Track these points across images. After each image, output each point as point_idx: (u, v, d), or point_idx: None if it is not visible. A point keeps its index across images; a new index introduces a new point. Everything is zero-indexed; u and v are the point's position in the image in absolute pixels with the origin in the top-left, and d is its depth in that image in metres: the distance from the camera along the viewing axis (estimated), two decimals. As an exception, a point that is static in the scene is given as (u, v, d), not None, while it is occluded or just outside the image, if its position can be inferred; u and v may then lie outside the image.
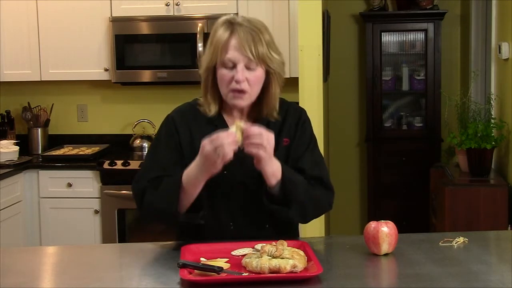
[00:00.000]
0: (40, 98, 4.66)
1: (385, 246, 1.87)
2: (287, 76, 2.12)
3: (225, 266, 1.79)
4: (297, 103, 2.40)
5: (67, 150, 4.45)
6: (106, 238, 4.10)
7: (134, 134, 4.55)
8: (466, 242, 2.00)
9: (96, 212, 4.11)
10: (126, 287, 1.74)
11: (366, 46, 5.07)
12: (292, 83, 3.55)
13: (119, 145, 4.57)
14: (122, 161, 4.08)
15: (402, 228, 1.97)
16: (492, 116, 3.77)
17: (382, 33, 5.06)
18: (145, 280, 1.78)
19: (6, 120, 4.58)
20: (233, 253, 1.90)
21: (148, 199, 2.00)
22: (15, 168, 4.05)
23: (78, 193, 4.13)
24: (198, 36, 4.07)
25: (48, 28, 4.32)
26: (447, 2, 5.13)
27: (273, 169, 1.95)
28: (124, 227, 4.11)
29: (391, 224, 1.90)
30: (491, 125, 3.66)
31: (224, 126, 2.02)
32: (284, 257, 1.73)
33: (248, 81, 1.98)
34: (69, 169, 4.15)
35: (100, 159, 4.15)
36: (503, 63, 3.72)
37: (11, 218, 3.95)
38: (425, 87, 5.04)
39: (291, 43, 4.03)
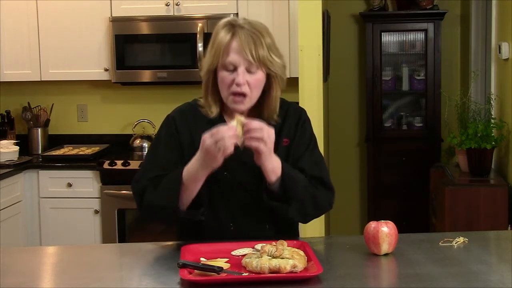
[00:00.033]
0: (40, 98, 4.66)
1: (385, 246, 1.87)
2: (287, 76, 2.12)
3: (225, 266, 1.79)
4: (297, 103, 2.40)
5: (67, 150, 4.45)
6: (106, 238, 4.10)
7: (134, 134, 4.55)
8: (466, 242, 2.00)
9: (96, 212, 4.11)
10: (126, 287, 1.74)
11: (366, 46, 5.07)
12: (292, 83, 3.55)
13: (119, 145, 4.57)
14: (122, 161, 4.08)
15: (402, 228, 1.97)
16: (492, 116, 3.77)
17: (382, 33, 5.06)
18: (145, 280, 1.78)
19: (6, 120, 4.58)
20: (233, 253, 1.90)
21: (148, 197, 2.00)
22: (15, 168, 4.05)
23: (78, 193, 4.13)
24: (198, 36, 4.07)
25: (48, 28, 4.32)
26: (447, 2, 5.13)
27: (273, 165, 1.95)
28: (124, 227, 4.11)
29: (391, 224, 1.90)
30: (491, 125, 3.66)
31: None
32: (284, 257, 1.73)
33: (249, 84, 1.98)
34: (69, 169, 4.15)
35: (100, 159, 4.15)
36: (503, 63, 3.72)
37: (11, 218, 3.95)
38: (425, 87, 5.04)
39: (291, 43, 4.03)
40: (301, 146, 2.10)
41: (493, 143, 3.61)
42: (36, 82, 4.45)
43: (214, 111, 2.06)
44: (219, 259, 1.85)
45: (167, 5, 4.20)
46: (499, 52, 3.68)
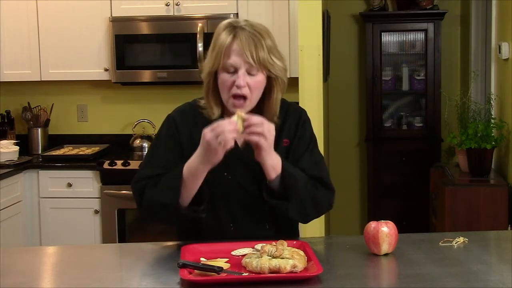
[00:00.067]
0: (40, 98, 4.66)
1: (385, 246, 1.87)
2: (287, 76, 2.11)
3: (225, 266, 1.79)
4: (297, 103, 2.41)
5: (67, 150, 4.45)
6: (106, 238, 4.10)
7: (134, 134, 4.55)
8: (466, 242, 2.00)
9: (96, 212, 4.11)
10: (126, 287, 1.74)
11: (366, 46, 5.07)
12: (292, 83, 3.55)
13: (119, 145, 4.57)
14: (122, 161, 4.08)
15: (402, 228, 1.97)
16: (492, 116, 3.77)
17: (382, 33, 5.06)
18: (145, 280, 1.78)
19: (6, 120, 4.58)
20: (233, 253, 1.90)
21: (149, 194, 2.00)
22: (15, 168, 4.05)
23: (78, 193, 4.13)
24: (198, 36, 4.07)
25: (48, 28, 4.33)
26: (447, 2, 5.13)
27: (273, 162, 1.96)
28: (124, 227, 4.11)
29: (391, 224, 1.90)
30: (491, 125, 3.66)
31: None
32: (284, 257, 1.73)
33: (249, 86, 1.97)
34: (69, 169, 4.16)
35: (100, 159, 4.15)
36: (503, 63, 3.72)
37: (11, 218, 3.95)
38: (425, 87, 5.04)
39: (291, 43, 4.03)
40: (301, 146, 2.10)
41: (493, 143, 3.61)
42: (36, 82, 4.45)
43: (215, 112, 2.05)
44: (219, 259, 1.85)
45: (167, 5, 4.20)
46: (499, 52, 3.68)
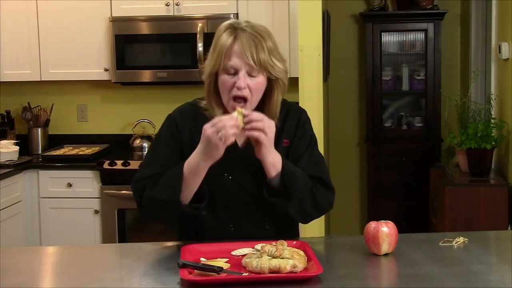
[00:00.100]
0: (40, 98, 4.66)
1: (385, 246, 1.87)
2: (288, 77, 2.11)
3: (225, 266, 1.79)
4: (297, 103, 2.40)
5: (67, 150, 4.45)
6: (106, 238, 4.10)
7: (134, 134, 4.55)
8: (466, 242, 2.00)
9: (96, 212, 4.11)
10: (126, 287, 1.74)
11: (366, 46, 5.07)
12: (292, 83, 3.54)
13: (119, 145, 4.57)
14: (122, 161, 4.08)
15: (402, 228, 1.97)
16: (492, 116, 3.77)
17: (382, 33, 5.06)
18: (145, 280, 1.78)
19: (6, 120, 4.58)
20: (233, 253, 1.90)
21: (149, 193, 2.00)
22: (15, 168, 4.05)
23: (78, 193, 4.13)
24: (198, 36, 4.07)
25: (48, 28, 4.32)
26: (447, 2, 5.13)
27: (273, 159, 1.96)
28: (124, 227, 4.11)
29: (391, 224, 1.90)
30: (491, 125, 3.66)
31: None
32: (284, 257, 1.73)
33: (250, 88, 1.97)
34: (69, 169, 4.15)
35: (100, 159, 4.15)
36: (503, 63, 3.72)
37: (11, 218, 3.95)
38: (425, 87, 5.04)
39: (291, 43, 4.03)
40: (301, 146, 2.10)
41: (493, 143, 3.61)
42: (36, 82, 4.45)
43: (217, 113, 2.05)
44: (219, 259, 1.85)
45: (167, 5, 4.20)
46: (499, 52, 3.68)
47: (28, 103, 4.58)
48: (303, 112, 2.17)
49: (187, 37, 4.15)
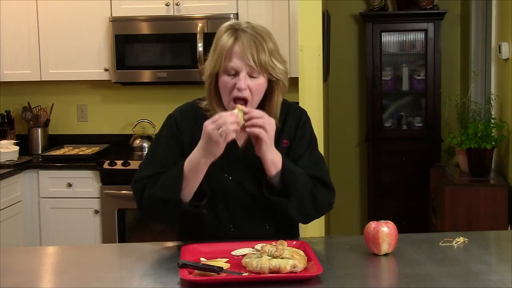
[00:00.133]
0: (40, 98, 4.66)
1: (385, 246, 1.87)
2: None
3: (225, 266, 1.79)
4: (297, 103, 2.40)
5: (67, 150, 4.45)
6: (106, 238, 4.10)
7: (134, 134, 4.55)
8: (466, 242, 2.00)
9: (96, 212, 4.11)
10: (126, 287, 1.74)
11: (366, 46, 5.07)
12: (292, 83, 3.54)
13: (119, 145, 4.57)
14: (122, 161, 4.08)
15: (402, 228, 1.97)
16: (492, 116, 3.77)
17: (382, 33, 5.06)
18: (145, 280, 1.78)
19: (6, 120, 4.58)
20: (233, 253, 1.90)
21: (149, 192, 1.99)
22: (15, 168, 4.05)
23: (78, 193, 4.13)
24: (198, 36, 4.07)
25: (48, 28, 4.32)
26: (447, 2, 5.13)
27: (273, 157, 1.96)
28: (124, 227, 4.11)
29: (391, 224, 1.90)
30: (491, 125, 3.66)
31: None
32: (284, 257, 1.73)
33: (250, 89, 1.97)
34: (69, 169, 4.15)
35: (100, 159, 4.15)
36: (503, 63, 3.72)
37: (11, 218, 3.95)
38: (425, 87, 5.04)
39: (291, 43, 4.03)
40: (301, 146, 2.10)
41: (493, 143, 3.61)
42: (36, 82, 4.45)
43: None
44: (219, 259, 1.85)
45: (167, 5, 4.20)
46: (499, 52, 3.68)
47: (28, 103, 4.58)
48: (303, 113, 2.17)
49: (187, 37, 4.15)
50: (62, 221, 4.14)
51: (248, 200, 2.06)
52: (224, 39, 1.97)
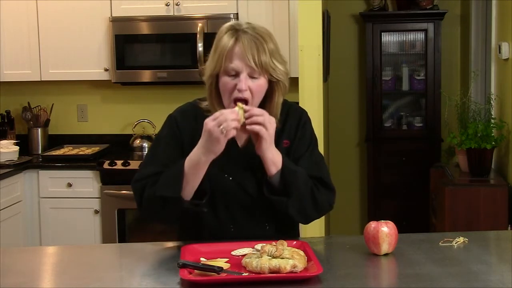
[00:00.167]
0: (40, 98, 4.66)
1: (385, 246, 1.87)
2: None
3: (225, 266, 1.79)
4: (297, 103, 2.40)
5: (67, 150, 4.45)
6: (106, 238, 4.10)
7: (134, 134, 4.55)
8: (466, 242, 2.00)
9: (96, 212, 4.11)
10: (126, 287, 1.74)
11: (366, 46, 5.07)
12: (292, 83, 3.54)
13: (119, 145, 4.57)
14: (122, 161, 4.08)
15: (402, 228, 1.97)
16: (492, 116, 3.77)
17: (382, 33, 5.06)
18: (145, 280, 1.78)
19: (6, 120, 4.58)
20: (233, 253, 1.90)
21: (149, 192, 1.99)
22: (15, 168, 4.05)
23: (78, 193, 4.13)
24: (198, 36, 4.07)
25: (48, 28, 4.32)
26: (447, 2, 5.13)
27: (273, 156, 1.96)
28: (124, 227, 4.11)
29: (391, 224, 1.90)
30: (491, 125, 3.66)
31: None
32: (284, 257, 1.73)
33: (251, 90, 1.97)
34: (69, 169, 4.15)
35: (100, 159, 4.15)
36: (503, 63, 3.72)
37: (11, 218, 3.95)
38: (425, 87, 5.04)
39: (291, 43, 4.03)
40: (301, 147, 2.10)
41: (493, 143, 3.61)
42: (36, 82, 4.45)
43: None
44: (219, 259, 1.85)
45: (167, 5, 4.20)
46: (499, 52, 3.68)
47: (28, 103, 4.58)
48: (303, 113, 2.17)
49: (187, 37, 4.15)
50: (62, 221, 4.14)
51: (248, 200, 2.06)
52: (225, 40, 1.97)
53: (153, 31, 4.23)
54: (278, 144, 2.02)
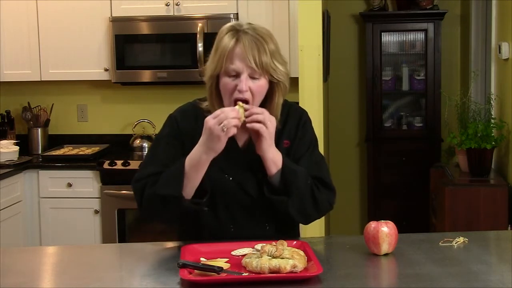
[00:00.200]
0: (40, 98, 4.66)
1: (385, 246, 1.87)
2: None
3: (225, 266, 1.79)
4: (297, 103, 2.40)
5: (67, 150, 4.45)
6: (106, 238, 4.10)
7: (134, 134, 4.55)
8: (466, 242, 2.00)
9: (96, 212, 4.11)
10: (126, 287, 1.74)
11: (366, 46, 5.07)
12: (292, 83, 3.53)
13: (119, 145, 4.57)
14: (122, 161, 4.08)
15: (402, 228, 1.97)
16: (492, 116, 3.77)
17: (382, 33, 5.06)
18: (145, 280, 1.78)
19: (6, 120, 4.58)
20: (233, 253, 1.90)
21: (149, 191, 1.99)
22: (15, 168, 4.05)
23: (78, 193, 4.13)
24: (198, 36, 4.07)
25: (48, 28, 4.32)
26: (447, 2, 5.13)
27: (274, 156, 1.96)
28: (124, 227, 4.11)
29: (391, 224, 1.90)
30: (491, 125, 3.66)
31: None
32: (284, 257, 1.73)
33: (251, 90, 1.97)
34: (69, 169, 4.15)
35: (100, 159, 4.15)
36: (503, 63, 3.72)
37: (11, 218, 3.95)
38: (425, 87, 5.04)
39: (291, 43, 4.03)
40: (302, 147, 2.10)
41: (493, 143, 3.61)
42: (36, 82, 4.45)
43: None
44: (219, 259, 1.85)
45: (167, 5, 4.20)
46: (499, 52, 3.68)
47: (28, 103, 4.58)
48: (303, 113, 2.17)
49: (187, 37, 4.15)
50: (62, 221, 4.14)
51: (249, 200, 2.06)
52: (225, 40, 1.97)
53: (153, 31, 4.23)
54: (278, 144, 2.02)
